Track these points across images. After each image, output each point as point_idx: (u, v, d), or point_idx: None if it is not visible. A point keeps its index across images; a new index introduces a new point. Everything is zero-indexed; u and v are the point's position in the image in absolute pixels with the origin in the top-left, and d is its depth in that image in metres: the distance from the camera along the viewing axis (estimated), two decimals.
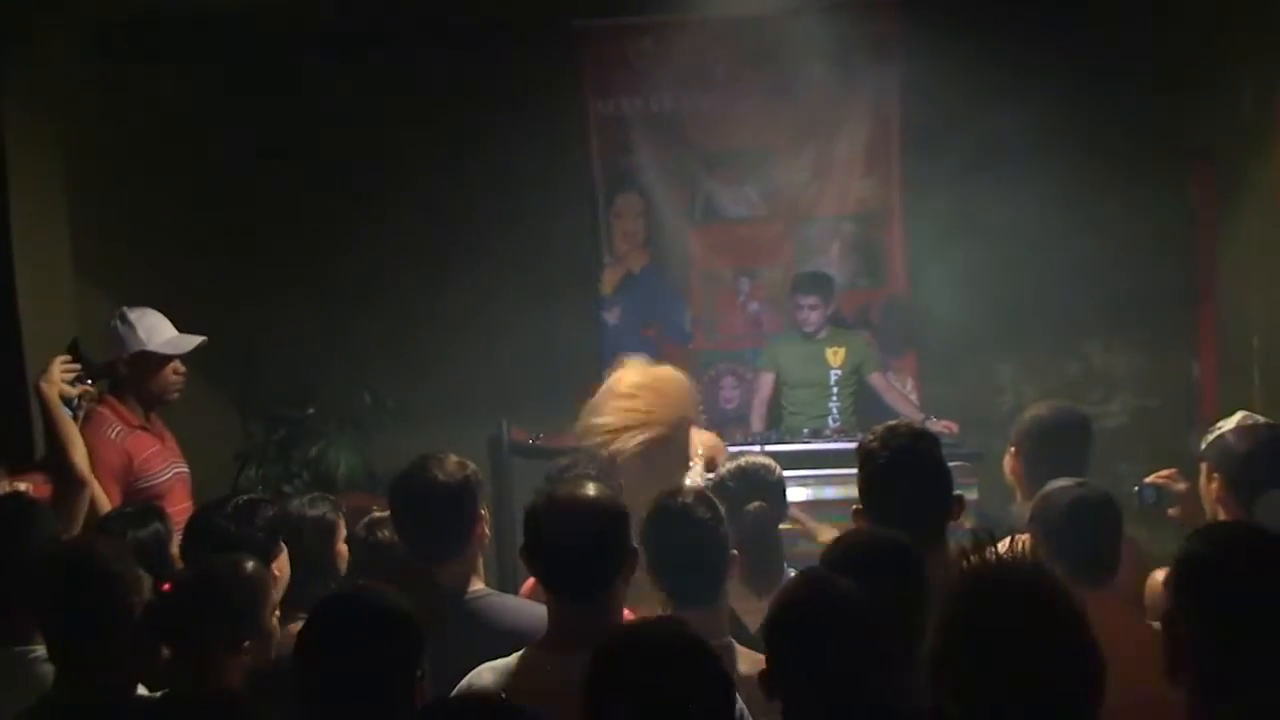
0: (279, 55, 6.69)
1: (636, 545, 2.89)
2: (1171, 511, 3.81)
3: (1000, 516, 4.31)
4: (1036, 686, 1.83)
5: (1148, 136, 6.74)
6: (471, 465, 3.34)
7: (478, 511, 3.28)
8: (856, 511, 3.15)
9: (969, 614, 1.90)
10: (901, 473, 3.08)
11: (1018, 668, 1.83)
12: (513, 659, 2.76)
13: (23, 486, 3.96)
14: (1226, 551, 2.20)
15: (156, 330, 4.49)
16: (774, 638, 2.35)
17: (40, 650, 2.89)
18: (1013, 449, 4.02)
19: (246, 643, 2.75)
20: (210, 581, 2.78)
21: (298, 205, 7.06)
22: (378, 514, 3.66)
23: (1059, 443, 3.93)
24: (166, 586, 2.80)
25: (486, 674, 2.75)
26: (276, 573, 3.20)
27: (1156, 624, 3.14)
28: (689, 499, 3.22)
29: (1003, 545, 2.07)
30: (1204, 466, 3.55)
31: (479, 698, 1.97)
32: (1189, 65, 6.54)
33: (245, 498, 3.44)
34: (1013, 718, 1.84)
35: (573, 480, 3.09)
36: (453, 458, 3.31)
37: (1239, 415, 3.67)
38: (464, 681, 2.76)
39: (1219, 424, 3.66)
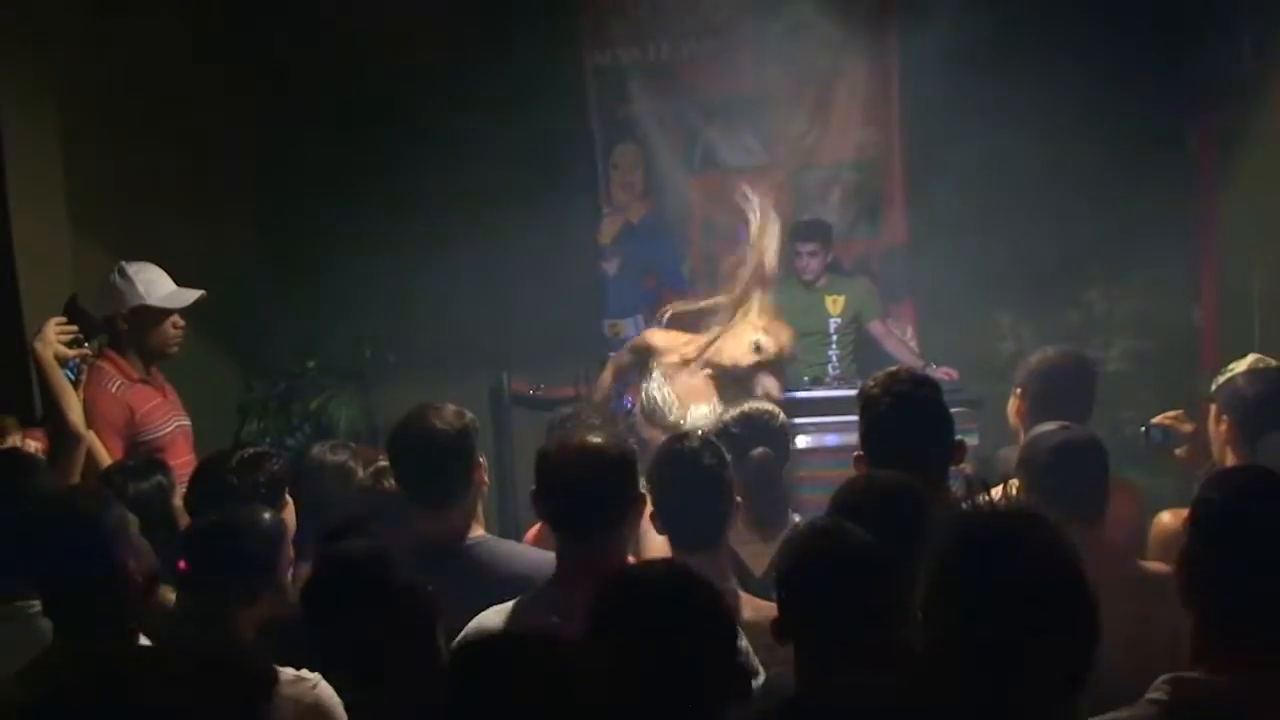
0: (278, 5, 6.65)
1: (644, 492, 2.94)
2: (1178, 452, 3.82)
3: (989, 459, 4.33)
4: (1029, 631, 1.83)
5: (1148, 83, 6.69)
6: (469, 414, 3.35)
7: (476, 458, 3.30)
8: (858, 458, 3.16)
9: (960, 560, 1.90)
10: (903, 418, 3.09)
11: (1011, 613, 1.83)
12: (519, 600, 2.80)
13: (34, 446, 3.97)
14: (1244, 497, 2.20)
15: (155, 284, 4.49)
16: (785, 584, 2.37)
17: (38, 605, 2.88)
18: (1019, 391, 4.03)
19: (263, 594, 2.75)
20: (226, 532, 2.78)
21: (296, 159, 7.03)
22: (383, 463, 3.68)
23: (1065, 386, 3.93)
24: (183, 565, 2.80)
25: (494, 616, 2.79)
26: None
27: (1153, 564, 3.18)
28: (696, 444, 3.25)
29: (996, 492, 2.08)
30: (1213, 408, 3.55)
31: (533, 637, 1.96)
32: (1189, 13, 6.49)
33: (251, 451, 3.45)
34: (1005, 662, 1.84)
35: (583, 428, 3.13)
36: (450, 406, 3.33)
37: (1251, 358, 3.66)
38: (471, 624, 2.79)
39: (1230, 366, 3.66)
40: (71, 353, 4.14)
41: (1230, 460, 3.44)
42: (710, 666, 2.06)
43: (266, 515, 2.86)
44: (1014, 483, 3.18)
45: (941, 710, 1.89)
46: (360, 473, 3.73)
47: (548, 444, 2.96)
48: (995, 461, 4.04)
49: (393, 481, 3.51)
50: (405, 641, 2.39)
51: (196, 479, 3.41)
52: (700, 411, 5.02)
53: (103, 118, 5.77)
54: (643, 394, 5.16)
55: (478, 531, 3.30)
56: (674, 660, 2.02)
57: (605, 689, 1.72)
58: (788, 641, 2.31)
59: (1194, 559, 2.21)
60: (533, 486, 2.91)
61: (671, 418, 5.02)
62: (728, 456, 3.29)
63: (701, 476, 3.18)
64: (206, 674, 1.78)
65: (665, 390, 5.13)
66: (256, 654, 2.61)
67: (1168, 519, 3.40)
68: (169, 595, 2.95)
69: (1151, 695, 2.12)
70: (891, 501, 2.62)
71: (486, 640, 1.77)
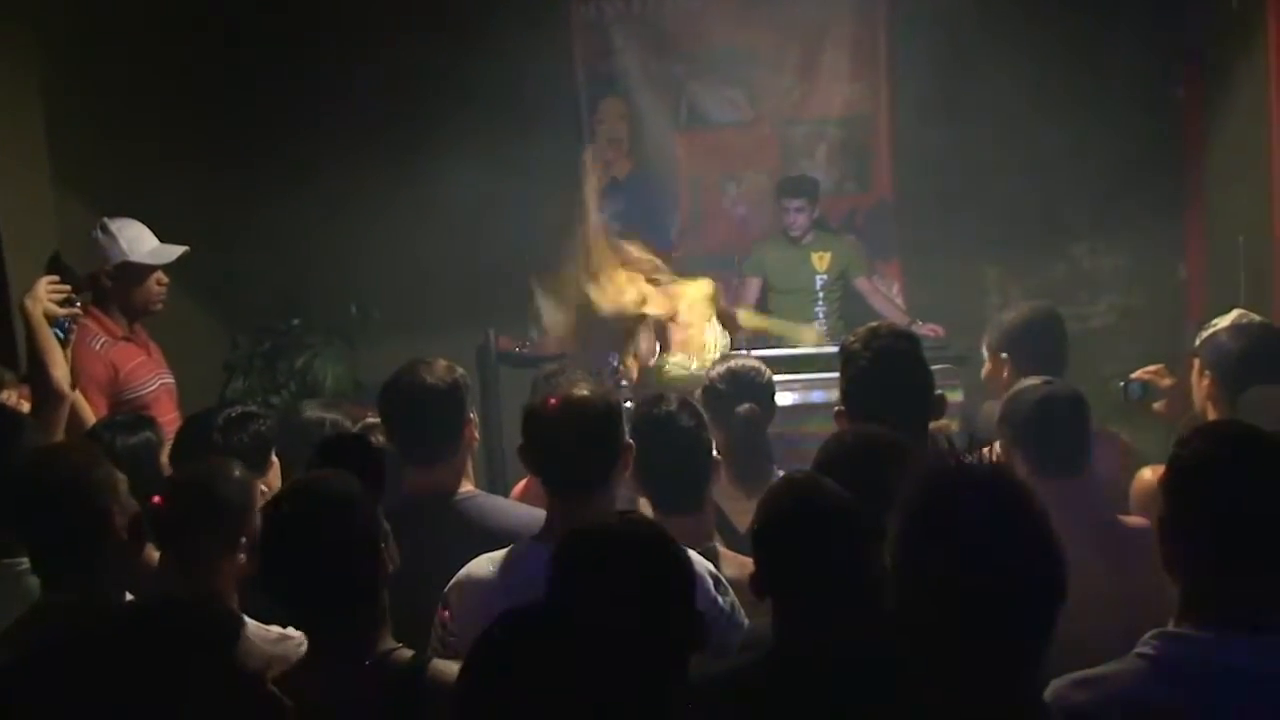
0: None
1: (630, 440, 2.94)
2: (1156, 406, 3.83)
3: (973, 416, 4.34)
4: (994, 582, 1.84)
5: (1136, 36, 6.67)
6: (460, 369, 3.36)
7: (466, 414, 3.31)
8: (839, 413, 3.16)
9: (926, 512, 1.91)
10: (883, 373, 3.09)
11: (975, 565, 1.85)
12: (509, 550, 2.83)
13: (11, 395, 3.96)
14: (1220, 451, 2.18)
15: (139, 240, 4.46)
16: (761, 539, 2.37)
17: (25, 562, 2.88)
18: (990, 354, 4.05)
19: (238, 544, 2.75)
20: (198, 484, 2.78)
21: (281, 116, 6.99)
22: (371, 419, 3.68)
23: (1037, 343, 3.94)
24: (157, 500, 2.81)
25: (485, 563, 2.82)
26: (264, 488, 3.20)
27: (1133, 519, 3.20)
28: (673, 406, 3.25)
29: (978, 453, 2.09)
30: (1196, 363, 3.54)
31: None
32: None
33: (239, 409, 3.44)
34: (970, 613, 1.86)
35: (567, 381, 3.12)
36: (441, 361, 3.34)
37: (1235, 313, 3.66)
38: (463, 570, 2.83)
39: (1214, 320, 3.66)
40: (62, 311, 4.09)
41: (1211, 415, 3.44)
42: (667, 618, 2.07)
43: (237, 469, 2.85)
44: (995, 445, 3.21)
45: (911, 663, 1.91)
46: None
47: (534, 399, 2.97)
48: (979, 417, 4.05)
49: (381, 437, 3.52)
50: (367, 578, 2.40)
51: (181, 437, 3.41)
52: (676, 359, 5.09)
53: (84, 71, 5.72)
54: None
55: (467, 487, 3.32)
56: (628, 612, 2.03)
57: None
58: (766, 597, 2.33)
59: (1171, 515, 2.21)
60: (520, 442, 2.91)
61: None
62: (705, 415, 3.30)
63: (680, 438, 3.19)
64: (174, 623, 1.79)
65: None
66: (225, 602, 2.63)
67: (1148, 475, 3.40)
68: (153, 554, 2.96)
69: (1140, 650, 2.13)
70: (874, 455, 2.62)
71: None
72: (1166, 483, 2.21)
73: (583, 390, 2.92)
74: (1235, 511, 2.11)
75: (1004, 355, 4.02)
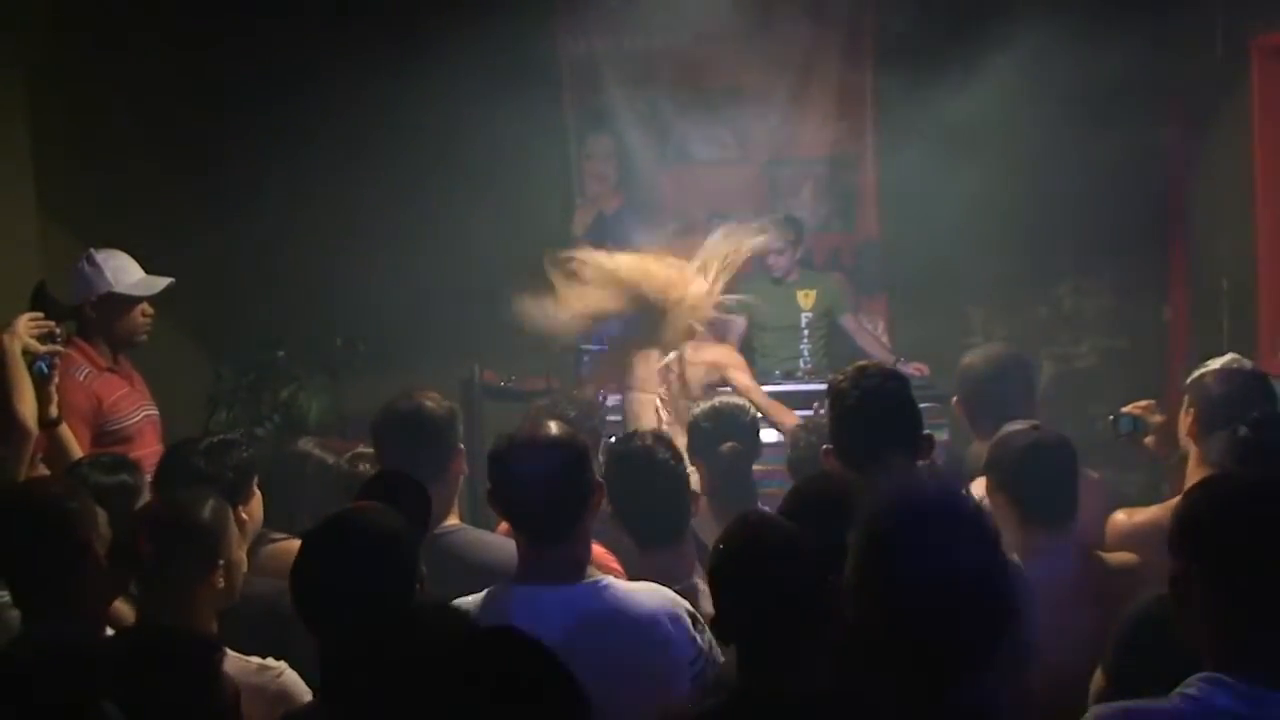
0: None
1: (600, 479, 2.89)
2: (1146, 440, 3.85)
3: (961, 456, 4.35)
4: (944, 613, 1.85)
5: (1120, 78, 6.72)
6: (450, 402, 3.38)
7: (458, 445, 3.30)
8: (826, 451, 3.16)
9: (876, 543, 1.92)
10: (871, 412, 3.08)
11: (924, 595, 1.85)
12: (486, 593, 2.78)
13: None
14: (1230, 505, 2.12)
15: (124, 272, 4.44)
16: (716, 580, 2.35)
17: (7, 595, 2.85)
18: (955, 399, 4.08)
19: (212, 572, 2.73)
20: (172, 513, 2.77)
21: (268, 147, 6.99)
22: (362, 449, 3.68)
23: (997, 388, 3.94)
24: (143, 543, 2.78)
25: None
26: (245, 516, 3.18)
27: (1117, 556, 3.21)
28: (649, 441, 3.24)
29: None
30: (1185, 399, 3.60)
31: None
32: (1161, 5, 6.53)
33: (219, 438, 3.43)
34: (921, 645, 1.86)
35: (533, 421, 3.08)
36: (434, 393, 3.35)
37: (1228, 357, 3.75)
38: None
39: (1207, 362, 3.73)
40: (42, 348, 4.04)
41: (1192, 451, 3.49)
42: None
43: (211, 497, 2.84)
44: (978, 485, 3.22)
45: (871, 701, 1.90)
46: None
47: (497, 443, 2.85)
48: (968, 457, 4.05)
49: (368, 466, 3.51)
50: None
51: (164, 462, 3.38)
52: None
53: (71, 103, 5.73)
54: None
55: (452, 520, 3.31)
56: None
57: None
58: (728, 640, 2.30)
59: (1188, 571, 2.16)
60: (488, 486, 2.83)
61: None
62: (689, 453, 3.29)
63: (658, 473, 3.18)
64: (150, 656, 1.77)
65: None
66: (203, 632, 2.61)
67: (1123, 518, 3.43)
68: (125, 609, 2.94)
69: (1184, 690, 2.09)
70: (833, 503, 2.53)
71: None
72: (1175, 544, 2.17)
73: (547, 430, 2.84)
74: (1261, 565, 2.07)
75: (955, 399, 4.06)
